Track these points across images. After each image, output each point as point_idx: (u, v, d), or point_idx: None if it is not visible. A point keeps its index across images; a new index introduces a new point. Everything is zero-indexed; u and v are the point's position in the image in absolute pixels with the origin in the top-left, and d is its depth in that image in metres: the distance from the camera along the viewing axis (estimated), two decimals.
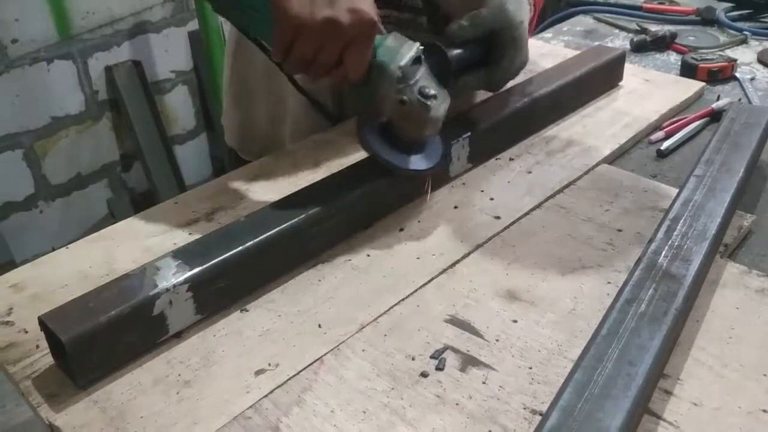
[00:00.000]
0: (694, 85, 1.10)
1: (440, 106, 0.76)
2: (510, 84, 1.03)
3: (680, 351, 0.62)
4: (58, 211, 2.37)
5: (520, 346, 0.63)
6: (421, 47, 0.75)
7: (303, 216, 0.73)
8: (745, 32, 1.32)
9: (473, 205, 0.83)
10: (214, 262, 0.66)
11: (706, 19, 1.40)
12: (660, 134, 0.98)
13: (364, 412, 0.57)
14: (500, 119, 0.92)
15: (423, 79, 0.75)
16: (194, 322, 0.66)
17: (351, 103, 0.79)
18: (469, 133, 0.87)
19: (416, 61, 0.74)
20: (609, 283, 0.70)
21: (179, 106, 2.62)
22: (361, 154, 0.87)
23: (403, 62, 0.73)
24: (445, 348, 0.63)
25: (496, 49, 0.84)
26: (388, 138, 0.78)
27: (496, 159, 0.92)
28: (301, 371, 0.61)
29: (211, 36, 2.35)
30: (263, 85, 1.07)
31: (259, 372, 0.61)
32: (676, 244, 0.68)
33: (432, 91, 0.74)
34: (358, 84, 0.75)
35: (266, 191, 0.86)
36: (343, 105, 1.06)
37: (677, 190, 0.78)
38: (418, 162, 0.79)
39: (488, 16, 0.82)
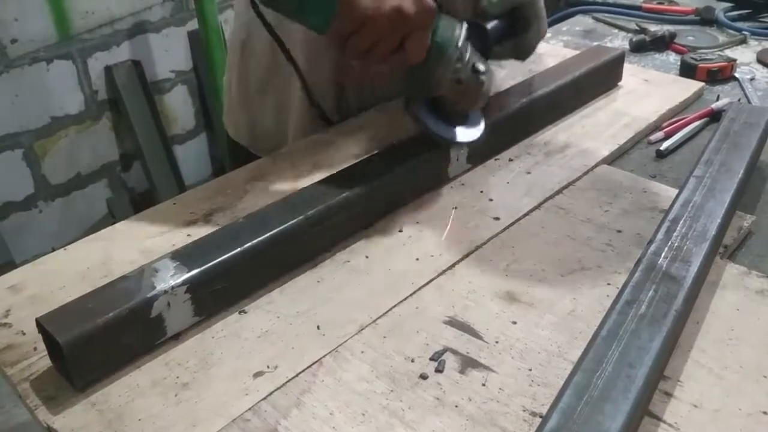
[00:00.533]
0: (693, 85, 1.10)
1: (490, 79, 0.80)
2: (509, 83, 1.03)
3: (680, 352, 0.61)
4: (57, 211, 2.37)
5: (520, 347, 0.63)
6: (467, 25, 0.79)
7: (302, 217, 0.72)
8: (745, 32, 1.32)
9: (472, 206, 0.83)
10: (212, 263, 0.66)
11: (705, 19, 1.39)
12: (659, 134, 0.97)
13: (363, 414, 0.57)
14: (499, 120, 0.91)
15: (473, 56, 0.78)
16: (192, 324, 0.66)
17: (406, 84, 0.83)
18: None
19: (466, 39, 0.78)
20: (608, 284, 0.70)
21: (179, 106, 2.62)
22: (359, 154, 0.87)
23: (460, 43, 0.77)
24: (445, 350, 0.63)
25: (521, 22, 0.90)
26: (436, 111, 0.82)
27: (496, 159, 0.92)
28: (299, 373, 0.61)
29: (210, 36, 2.35)
30: (269, 84, 1.09)
31: (257, 374, 0.61)
32: (675, 245, 0.68)
33: (483, 67, 0.78)
34: (415, 66, 0.77)
35: (265, 192, 0.86)
36: (344, 104, 1.06)
37: (677, 191, 0.78)
38: (464, 133, 0.84)
39: None
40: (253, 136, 1.15)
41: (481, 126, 0.85)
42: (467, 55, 0.77)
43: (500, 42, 0.90)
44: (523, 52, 0.94)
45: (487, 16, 0.88)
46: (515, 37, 0.91)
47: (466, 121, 0.85)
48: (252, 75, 1.10)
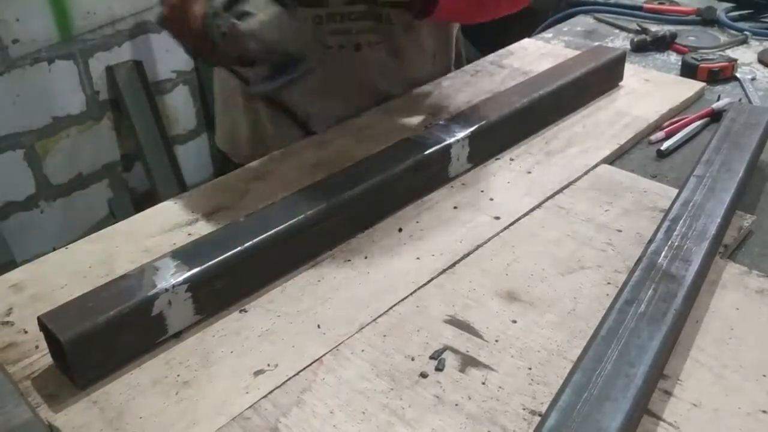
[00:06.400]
0: (694, 85, 1.10)
1: (255, 19, 0.77)
2: (511, 83, 1.04)
3: (680, 351, 0.61)
4: (59, 211, 2.37)
5: (520, 346, 0.63)
6: None
7: (302, 216, 0.73)
8: (746, 32, 1.32)
9: (473, 206, 0.83)
10: (213, 262, 0.66)
11: (706, 19, 1.39)
12: (660, 134, 0.97)
13: (364, 412, 0.57)
14: (500, 119, 0.91)
15: (247, 6, 0.78)
16: (193, 323, 0.66)
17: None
18: (469, 133, 0.87)
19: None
20: (609, 283, 0.70)
21: (180, 106, 2.62)
22: (360, 154, 0.87)
23: (215, 3, 0.78)
24: (445, 348, 0.63)
25: None
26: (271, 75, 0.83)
27: (496, 159, 0.92)
28: (300, 372, 0.61)
29: None
30: (242, 93, 1.10)
31: (258, 372, 0.61)
32: (675, 244, 0.68)
33: (244, 9, 0.77)
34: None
35: (266, 191, 0.86)
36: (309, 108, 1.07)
37: (677, 191, 0.78)
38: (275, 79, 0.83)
39: None
40: (232, 143, 1.15)
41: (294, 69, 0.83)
42: (239, 10, 0.78)
43: None
44: None
45: None
46: None
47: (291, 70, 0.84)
48: (229, 81, 1.10)
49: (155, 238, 0.78)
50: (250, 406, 0.58)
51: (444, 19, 1.02)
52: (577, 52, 1.15)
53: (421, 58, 1.12)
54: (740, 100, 1.08)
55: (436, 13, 0.92)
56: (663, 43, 1.30)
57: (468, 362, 0.61)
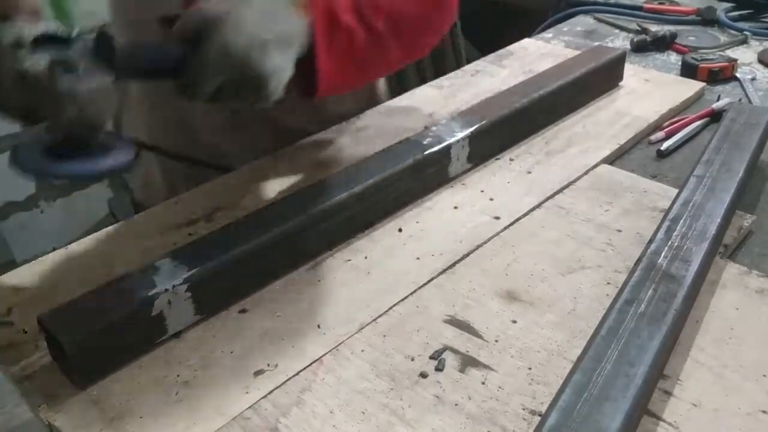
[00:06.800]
0: (694, 86, 1.10)
1: (82, 82, 0.59)
2: (511, 83, 1.03)
3: (680, 351, 0.61)
4: (59, 211, 2.37)
5: (520, 346, 0.63)
6: (77, 31, 0.64)
7: (302, 216, 0.73)
8: (746, 32, 1.32)
9: (473, 206, 0.83)
10: (213, 262, 0.66)
11: (706, 19, 1.39)
12: (660, 134, 0.97)
13: (363, 412, 0.57)
14: (500, 119, 0.91)
15: (72, 56, 0.61)
16: (193, 323, 0.66)
17: None
18: (469, 133, 0.87)
19: (57, 41, 0.62)
20: (608, 283, 0.70)
21: None
22: (360, 154, 0.87)
23: (15, 29, 0.59)
24: (445, 348, 0.63)
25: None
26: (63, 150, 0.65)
27: (496, 159, 0.92)
28: (300, 372, 0.61)
29: None
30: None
31: (258, 372, 0.61)
32: (675, 244, 0.68)
33: (75, 65, 0.60)
34: None
35: (266, 191, 0.86)
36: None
37: (677, 191, 0.78)
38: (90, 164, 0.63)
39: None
40: (147, 194, 1.10)
41: (127, 155, 0.64)
42: (55, 53, 0.60)
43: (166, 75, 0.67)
44: (183, 88, 0.66)
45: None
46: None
47: (107, 152, 0.63)
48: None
49: (155, 239, 0.78)
50: (250, 406, 0.58)
51: (333, 93, 0.81)
52: (577, 52, 1.15)
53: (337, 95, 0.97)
54: (740, 100, 1.08)
55: (319, 91, 0.74)
56: (663, 43, 1.30)
57: (468, 362, 0.61)
